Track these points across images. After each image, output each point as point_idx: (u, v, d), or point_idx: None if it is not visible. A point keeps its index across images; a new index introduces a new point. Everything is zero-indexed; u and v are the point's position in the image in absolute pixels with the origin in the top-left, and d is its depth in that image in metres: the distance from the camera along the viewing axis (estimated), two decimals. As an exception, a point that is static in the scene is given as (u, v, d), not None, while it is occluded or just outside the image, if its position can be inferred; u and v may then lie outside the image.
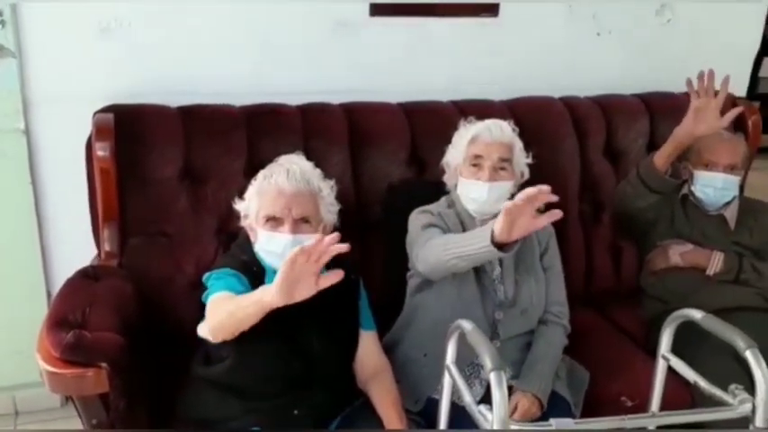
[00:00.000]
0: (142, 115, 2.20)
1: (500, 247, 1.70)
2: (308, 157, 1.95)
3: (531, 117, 2.45)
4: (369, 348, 1.92)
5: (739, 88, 2.89)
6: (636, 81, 2.77)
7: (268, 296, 1.49)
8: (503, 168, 2.04)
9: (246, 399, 1.77)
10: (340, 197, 1.95)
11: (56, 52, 2.26)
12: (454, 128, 2.18)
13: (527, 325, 2.04)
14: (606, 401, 2.06)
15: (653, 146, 2.62)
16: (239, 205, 1.87)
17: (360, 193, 2.36)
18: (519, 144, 2.10)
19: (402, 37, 2.55)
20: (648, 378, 1.70)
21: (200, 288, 1.79)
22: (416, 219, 2.07)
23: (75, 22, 2.24)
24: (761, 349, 1.46)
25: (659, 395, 1.67)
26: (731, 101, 2.29)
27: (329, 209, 1.88)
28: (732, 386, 1.47)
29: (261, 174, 1.86)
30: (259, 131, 2.26)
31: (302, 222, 1.79)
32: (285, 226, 1.77)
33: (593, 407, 2.02)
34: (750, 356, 1.43)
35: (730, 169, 2.36)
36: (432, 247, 1.90)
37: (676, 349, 1.65)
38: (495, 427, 1.32)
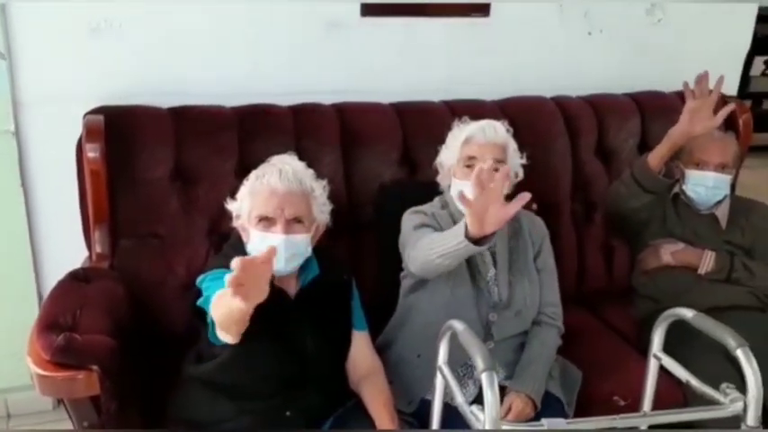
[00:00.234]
0: (133, 116, 2.19)
1: (476, 241, 1.70)
2: (300, 158, 1.94)
3: (522, 117, 2.45)
4: (361, 349, 1.93)
5: (730, 87, 2.89)
6: (627, 80, 2.77)
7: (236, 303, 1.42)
8: (497, 170, 2.03)
9: (239, 399, 1.76)
10: (332, 197, 1.95)
11: (45, 53, 2.25)
12: (446, 128, 2.18)
13: (521, 326, 2.04)
14: (599, 401, 2.06)
15: (644, 145, 2.63)
16: (231, 206, 1.87)
17: (352, 194, 2.35)
18: (513, 145, 2.10)
19: (393, 37, 2.55)
20: (641, 377, 1.70)
21: (192, 290, 1.79)
22: (409, 219, 2.07)
23: (65, 23, 2.23)
24: (753, 348, 1.47)
25: (651, 394, 1.68)
26: (723, 100, 2.30)
27: (321, 209, 1.88)
28: (723, 385, 1.48)
29: (253, 174, 1.86)
30: (250, 132, 2.25)
31: (295, 222, 1.78)
32: (278, 226, 1.76)
33: (586, 406, 2.02)
34: (741, 355, 1.43)
35: (721, 168, 2.37)
36: (420, 248, 1.90)
37: (668, 348, 1.65)
38: (486, 428, 1.32)
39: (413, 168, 2.43)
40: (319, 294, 1.85)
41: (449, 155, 2.12)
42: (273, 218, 1.77)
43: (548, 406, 1.92)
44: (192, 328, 1.82)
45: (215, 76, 2.38)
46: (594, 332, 2.42)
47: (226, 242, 1.97)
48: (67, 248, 2.28)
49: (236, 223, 1.86)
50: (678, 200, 2.45)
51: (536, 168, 2.19)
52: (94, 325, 1.75)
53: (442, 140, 2.16)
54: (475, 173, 1.65)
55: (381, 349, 2.03)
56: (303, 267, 1.85)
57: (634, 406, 1.75)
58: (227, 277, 1.33)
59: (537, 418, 1.86)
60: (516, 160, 2.10)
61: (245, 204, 1.82)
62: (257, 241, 1.78)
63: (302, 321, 1.79)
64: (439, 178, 2.18)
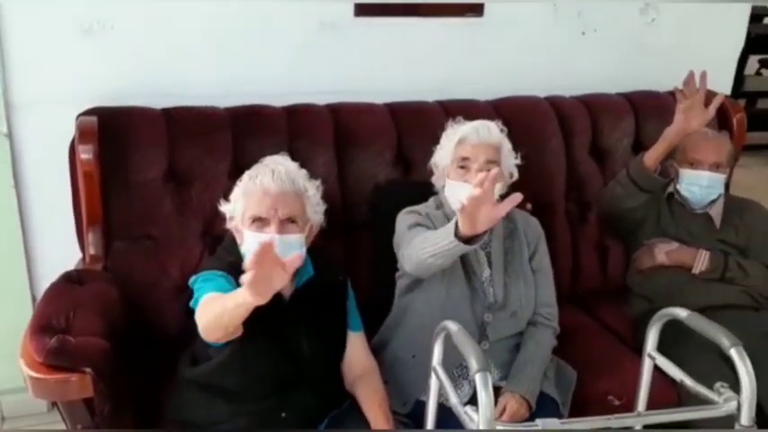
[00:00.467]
0: (126, 117, 2.18)
1: (468, 240, 1.70)
2: (294, 158, 1.94)
3: (516, 117, 2.45)
4: (356, 350, 1.93)
5: (724, 87, 2.90)
6: (621, 80, 2.78)
7: (247, 297, 1.46)
8: (490, 170, 2.03)
9: (234, 401, 1.76)
10: (326, 198, 1.94)
11: (38, 55, 2.24)
12: (440, 128, 2.17)
13: (516, 327, 2.04)
14: (594, 401, 2.07)
15: (638, 145, 2.63)
16: (224, 207, 1.87)
17: (346, 194, 2.35)
18: (507, 145, 2.10)
19: (387, 37, 2.55)
20: (636, 377, 1.70)
21: (185, 291, 1.78)
22: (403, 219, 2.07)
23: (57, 25, 2.23)
24: (747, 347, 1.47)
25: (645, 394, 1.68)
26: (711, 94, 2.32)
27: (315, 209, 1.88)
28: (717, 384, 1.48)
29: (246, 175, 1.85)
30: (244, 133, 2.25)
31: (288, 222, 1.78)
32: (271, 226, 1.76)
33: (581, 406, 2.02)
34: (734, 354, 1.43)
35: (715, 167, 2.37)
36: (413, 247, 1.90)
37: (663, 348, 1.66)
38: (481, 428, 1.32)
39: (407, 168, 2.42)
40: (314, 295, 1.85)
41: (443, 155, 2.12)
42: (267, 218, 1.77)
43: (543, 406, 1.92)
44: (186, 330, 1.81)
45: (208, 77, 2.38)
46: (589, 332, 2.42)
47: (219, 243, 1.96)
48: (61, 250, 2.28)
49: (229, 225, 1.86)
50: (672, 199, 2.46)
51: (530, 168, 2.19)
52: (88, 327, 1.75)
53: (436, 140, 2.16)
54: (478, 180, 1.64)
55: (376, 350, 2.02)
56: (298, 268, 1.83)
57: (629, 406, 1.76)
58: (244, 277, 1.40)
59: (532, 418, 1.86)
60: (510, 161, 2.10)
61: (238, 205, 1.82)
62: (251, 242, 1.77)
63: (297, 322, 1.79)
64: (434, 179, 2.18)
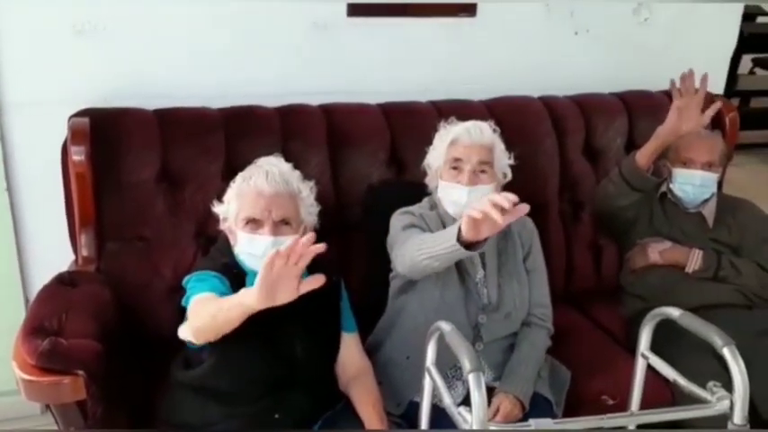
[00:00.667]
0: (118, 119, 2.18)
1: (469, 245, 1.69)
2: (287, 159, 1.94)
3: (510, 117, 2.45)
4: (350, 350, 1.92)
5: (717, 86, 2.90)
6: (614, 80, 2.77)
7: (249, 299, 1.47)
8: (483, 171, 2.03)
9: (227, 403, 1.75)
10: (319, 198, 1.94)
11: (30, 56, 2.23)
12: (434, 128, 2.17)
13: (510, 328, 2.04)
14: (588, 400, 2.07)
15: (631, 144, 2.63)
16: (218, 208, 1.87)
17: (339, 195, 2.35)
18: (500, 145, 2.09)
19: (380, 37, 2.54)
20: (629, 376, 1.70)
21: (179, 292, 1.78)
22: (398, 220, 2.06)
23: (49, 25, 2.22)
24: (740, 346, 1.48)
25: (639, 393, 1.68)
26: (709, 98, 2.32)
27: (309, 210, 1.88)
28: (710, 383, 1.48)
29: (240, 176, 1.86)
30: (237, 133, 2.24)
31: (282, 224, 1.78)
32: (265, 228, 1.76)
33: (575, 406, 2.02)
34: (727, 354, 1.44)
35: (708, 167, 2.38)
36: (408, 248, 1.89)
37: (657, 347, 1.66)
38: (474, 428, 1.32)
39: (400, 168, 2.42)
40: (308, 297, 1.83)
41: (435, 156, 2.11)
42: (261, 220, 1.77)
43: (536, 406, 1.92)
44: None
45: (201, 78, 2.37)
46: (583, 331, 2.42)
47: (213, 245, 1.96)
48: (54, 252, 2.27)
49: (222, 226, 1.86)
50: (665, 198, 2.46)
51: (524, 168, 2.18)
52: (80, 329, 1.75)
53: (429, 141, 2.16)
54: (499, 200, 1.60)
55: (371, 351, 2.02)
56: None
57: (623, 405, 1.76)
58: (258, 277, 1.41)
59: (525, 418, 1.86)
60: (504, 161, 2.10)
61: (231, 207, 1.82)
62: (245, 243, 1.78)
63: (291, 324, 1.79)
64: (427, 180, 2.17)
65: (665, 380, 1.61)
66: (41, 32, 2.23)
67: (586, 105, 2.66)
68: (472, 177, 2.01)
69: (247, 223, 1.77)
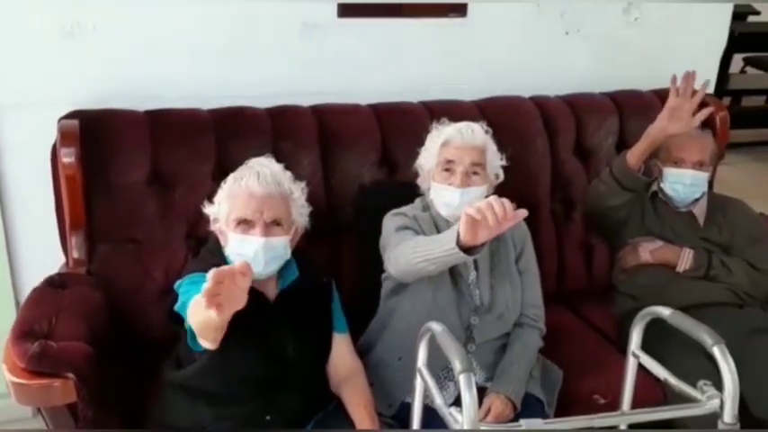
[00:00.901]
0: (108, 120, 2.17)
1: (467, 249, 1.68)
2: (278, 160, 1.93)
3: (501, 117, 2.45)
4: (342, 351, 1.92)
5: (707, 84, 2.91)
6: (605, 79, 2.78)
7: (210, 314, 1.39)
8: (475, 173, 2.02)
9: (219, 404, 1.75)
10: (311, 199, 1.94)
11: (18, 58, 2.22)
12: (425, 129, 2.17)
13: (503, 329, 2.04)
14: (579, 400, 2.07)
15: (622, 144, 2.64)
16: (209, 209, 1.86)
17: (331, 195, 2.34)
18: (492, 147, 2.09)
19: (371, 38, 2.54)
20: (621, 376, 1.70)
21: (170, 294, 1.78)
22: (390, 221, 2.06)
23: (38, 27, 2.21)
24: (732, 344, 1.48)
25: (630, 393, 1.68)
26: (702, 100, 2.33)
27: (300, 211, 1.88)
28: (700, 382, 1.48)
29: (231, 177, 1.85)
30: (228, 134, 2.24)
31: (274, 225, 1.78)
32: (256, 229, 1.76)
33: (567, 405, 2.02)
34: (717, 352, 1.44)
35: (699, 166, 2.38)
36: (402, 250, 1.89)
37: (648, 346, 1.66)
38: (465, 429, 1.32)
39: (392, 169, 2.42)
40: (299, 297, 1.85)
41: (428, 157, 2.11)
42: (252, 221, 1.76)
43: (528, 406, 1.92)
44: (171, 334, 1.82)
45: (191, 79, 2.36)
46: (575, 331, 2.43)
47: (204, 246, 1.96)
48: (45, 254, 2.26)
49: (213, 227, 1.85)
50: (656, 198, 2.47)
51: (515, 168, 2.18)
52: (70, 332, 1.74)
53: (420, 141, 2.16)
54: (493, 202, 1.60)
55: (362, 352, 2.02)
56: (282, 270, 1.84)
57: (614, 404, 1.75)
58: (203, 288, 1.32)
59: (517, 419, 1.86)
60: (496, 162, 2.09)
61: (222, 208, 1.82)
62: (236, 244, 1.77)
63: (282, 325, 1.79)
64: (419, 181, 2.17)
65: (657, 379, 1.61)
66: (29, 34, 2.22)
67: (577, 105, 2.67)
68: (464, 179, 2.00)
69: (239, 224, 1.77)
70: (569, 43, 2.80)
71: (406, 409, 1.78)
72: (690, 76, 2.29)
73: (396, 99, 2.52)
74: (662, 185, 2.43)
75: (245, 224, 1.77)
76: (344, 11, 2.48)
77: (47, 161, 2.15)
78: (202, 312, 1.45)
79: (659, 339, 1.73)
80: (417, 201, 2.15)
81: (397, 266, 1.92)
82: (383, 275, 2.11)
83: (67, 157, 2.05)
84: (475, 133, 2.05)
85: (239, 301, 1.38)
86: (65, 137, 2.06)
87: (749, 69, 6.46)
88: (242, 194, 1.78)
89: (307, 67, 2.49)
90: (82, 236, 2.13)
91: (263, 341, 1.75)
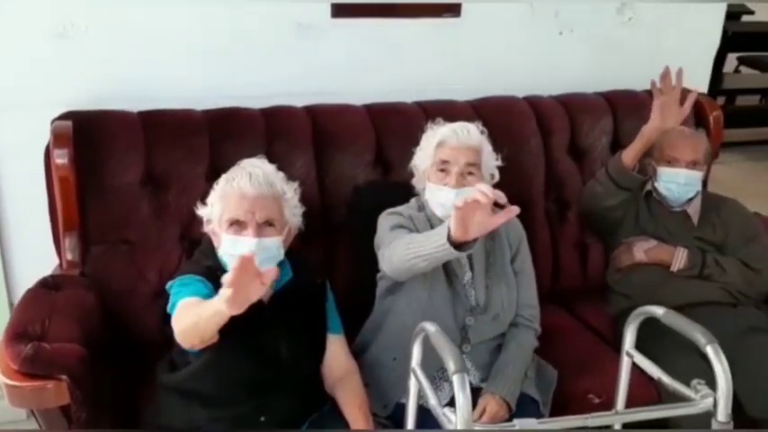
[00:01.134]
0: (101, 121, 2.17)
1: (458, 245, 1.68)
2: (272, 160, 1.93)
3: (495, 117, 2.45)
4: (336, 352, 1.92)
5: (700, 84, 2.92)
6: (598, 79, 2.78)
7: (223, 307, 1.45)
8: (470, 173, 2.01)
9: (212, 406, 1.75)
10: (305, 200, 1.94)
11: (11, 59, 2.22)
12: (419, 129, 2.17)
13: (498, 329, 2.04)
14: (574, 399, 2.07)
15: (616, 143, 2.64)
16: (202, 210, 1.86)
17: (325, 196, 2.34)
18: (488, 147, 2.08)
19: (364, 38, 2.54)
20: (616, 375, 1.70)
21: (164, 296, 1.77)
22: (385, 220, 2.06)
23: (30, 28, 2.21)
24: (726, 343, 1.48)
25: (624, 392, 1.68)
26: (685, 93, 2.36)
27: (293, 211, 1.88)
28: (694, 381, 1.48)
29: (223, 177, 1.85)
30: (221, 135, 2.24)
31: (266, 226, 1.78)
32: (249, 230, 1.75)
33: (562, 405, 2.02)
34: (710, 352, 1.44)
35: (692, 165, 2.38)
36: (395, 248, 1.88)
37: (643, 346, 1.66)
38: (458, 429, 1.32)
39: (386, 169, 2.42)
40: (293, 298, 1.84)
41: (423, 158, 2.10)
42: (245, 221, 1.76)
43: (523, 406, 1.92)
44: (165, 335, 1.81)
45: (185, 80, 2.36)
46: (570, 331, 2.43)
47: (197, 247, 1.95)
48: (39, 256, 2.25)
49: (206, 228, 1.85)
50: (650, 197, 2.47)
51: (509, 168, 2.18)
52: (64, 333, 1.74)
53: (415, 141, 2.15)
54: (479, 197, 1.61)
55: (357, 352, 2.02)
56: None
57: (609, 404, 1.76)
58: (226, 277, 1.39)
59: (512, 419, 1.86)
60: (491, 162, 2.09)
61: (215, 209, 1.81)
62: (228, 245, 1.77)
63: (276, 326, 1.78)
64: (414, 181, 2.16)
65: (652, 378, 1.61)
66: (22, 36, 2.22)
67: (571, 105, 2.67)
68: (459, 179, 2.00)
69: (231, 225, 1.77)
70: (563, 43, 2.80)
71: (401, 409, 1.78)
72: (667, 75, 2.32)
73: (390, 99, 2.52)
74: (656, 185, 2.43)
75: (237, 225, 1.76)
76: (338, 11, 2.48)
77: (40, 162, 2.15)
78: (198, 311, 1.47)
79: (653, 339, 1.73)
80: (413, 201, 2.15)
81: (391, 264, 1.91)
82: (378, 275, 2.11)
83: (61, 158, 2.05)
84: (470, 133, 2.04)
85: (256, 292, 1.44)
86: (58, 138, 2.06)
87: (743, 69, 6.48)
88: (234, 195, 1.78)
89: (300, 68, 2.49)
90: (75, 237, 2.13)
91: (258, 342, 1.75)
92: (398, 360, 1.93)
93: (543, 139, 2.59)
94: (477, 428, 1.37)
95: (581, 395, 2.08)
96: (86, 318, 1.87)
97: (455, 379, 1.33)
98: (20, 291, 2.13)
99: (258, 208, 1.76)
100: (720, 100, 5.48)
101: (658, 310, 1.57)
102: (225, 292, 1.41)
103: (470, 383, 1.35)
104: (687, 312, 1.62)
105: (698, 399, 1.45)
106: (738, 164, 5.29)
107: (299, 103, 2.41)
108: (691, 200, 2.43)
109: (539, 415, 1.93)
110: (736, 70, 6.48)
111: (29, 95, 2.26)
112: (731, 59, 6.06)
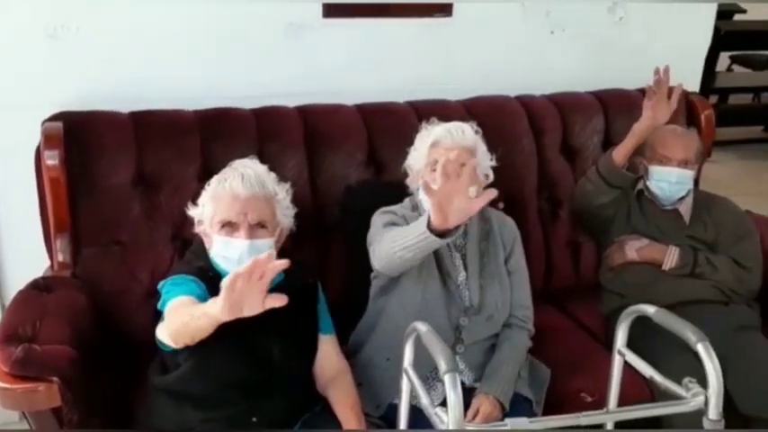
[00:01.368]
0: (92, 122, 2.16)
1: (441, 234, 1.68)
2: (264, 161, 1.93)
3: (487, 116, 2.44)
4: (328, 352, 1.92)
5: (692, 83, 2.93)
6: (590, 79, 2.78)
7: (215, 311, 1.44)
8: (463, 165, 2.01)
9: (204, 408, 1.74)
10: (297, 200, 1.94)
11: (2, 60, 2.22)
12: (411, 129, 2.17)
13: (492, 329, 2.03)
14: (567, 398, 2.07)
15: (608, 142, 2.64)
16: (193, 211, 1.85)
17: (317, 196, 2.34)
18: (482, 147, 2.07)
19: (356, 38, 2.54)
20: (608, 374, 1.70)
21: (156, 297, 1.77)
22: (379, 218, 2.05)
23: (21, 29, 2.21)
24: (718, 341, 1.49)
25: (616, 391, 1.68)
26: (681, 93, 2.40)
27: (285, 212, 1.88)
28: (685, 380, 1.49)
29: (215, 178, 1.84)
30: (212, 136, 2.23)
31: (258, 227, 1.77)
32: (241, 231, 1.75)
33: (555, 404, 2.02)
34: (701, 350, 1.44)
35: (684, 164, 2.39)
36: (383, 242, 1.88)
37: (635, 344, 1.66)
38: (450, 428, 1.32)
39: (379, 169, 2.42)
40: (285, 299, 1.84)
41: (417, 157, 2.09)
42: (236, 223, 1.76)
43: (516, 406, 1.92)
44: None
45: (176, 81, 2.36)
46: (563, 330, 2.43)
47: (188, 248, 1.95)
48: (30, 258, 2.24)
49: (198, 229, 1.85)
50: (642, 196, 2.47)
51: (502, 167, 2.17)
52: (55, 335, 1.73)
53: (407, 141, 2.15)
54: (441, 164, 1.63)
55: (351, 352, 2.02)
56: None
57: (601, 402, 1.76)
58: (226, 281, 1.37)
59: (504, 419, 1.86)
60: (486, 162, 2.08)
61: (207, 210, 1.81)
62: (220, 247, 1.77)
63: (268, 327, 1.77)
64: (408, 181, 2.16)
65: (644, 377, 1.62)
66: (12, 36, 2.21)
67: (563, 104, 2.67)
68: None
69: (223, 226, 1.76)
70: (555, 43, 2.80)
71: (393, 409, 1.78)
72: (658, 75, 2.35)
73: (382, 99, 2.51)
74: (648, 183, 2.44)
75: (229, 226, 1.76)
76: (330, 11, 2.48)
77: (31, 164, 2.14)
78: (192, 312, 1.47)
79: (645, 337, 1.73)
80: (407, 200, 2.14)
81: (380, 259, 1.91)
82: (372, 274, 2.10)
83: (51, 159, 2.05)
84: (465, 134, 2.03)
85: (253, 306, 1.41)
86: (48, 139, 2.06)
87: (736, 67, 6.50)
88: (226, 196, 1.77)
89: (292, 68, 2.49)
90: (66, 239, 2.12)
91: (249, 344, 1.74)
92: (392, 360, 1.93)
93: (535, 138, 2.59)
94: (469, 428, 1.36)
95: (574, 394, 2.08)
96: (78, 319, 1.87)
97: (446, 378, 1.33)
98: (11, 293, 2.12)
99: (250, 209, 1.76)
100: (713, 98, 5.49)
101: (650, 309, 1.57)
102: (220, 297, 1.39)
103: (464, 384, 1.35)
104: (679, 311, 1.62)
105: (689, 397, 1.45)
106: (731, 162, 5.30)
107: (291, 103, 2.40)
108: (682, 198, 2.44)
109: (532, 414, 1.93)
110: (729, 69, 6.49)
111: (19, 96, 2.25)
112: (723, 58, 6.08)
